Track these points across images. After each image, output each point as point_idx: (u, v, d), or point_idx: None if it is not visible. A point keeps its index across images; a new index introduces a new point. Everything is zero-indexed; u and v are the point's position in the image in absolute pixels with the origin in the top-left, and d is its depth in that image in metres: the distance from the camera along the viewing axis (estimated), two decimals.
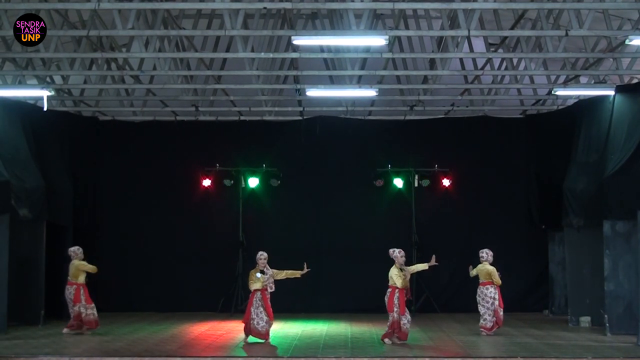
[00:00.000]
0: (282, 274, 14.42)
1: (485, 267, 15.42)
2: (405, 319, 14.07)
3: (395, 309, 13.98)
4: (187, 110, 19.63)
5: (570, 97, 18.84)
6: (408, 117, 20.03)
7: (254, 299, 14.15)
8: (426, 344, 14.16)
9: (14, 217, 15.72)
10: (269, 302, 14.13)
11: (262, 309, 14.06)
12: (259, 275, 14.05)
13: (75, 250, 15.48)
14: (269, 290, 14.17)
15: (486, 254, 15.50)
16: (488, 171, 19.98)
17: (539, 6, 14.52)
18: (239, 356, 13.07)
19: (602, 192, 15.45)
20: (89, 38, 15.73)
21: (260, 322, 14.05)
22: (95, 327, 15.36)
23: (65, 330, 15.25)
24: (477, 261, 15.71)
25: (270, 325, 14.24)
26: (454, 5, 13.97)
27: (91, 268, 15.41)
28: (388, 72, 17.55)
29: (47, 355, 12.60)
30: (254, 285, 14.15)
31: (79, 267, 15.30)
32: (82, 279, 15.32)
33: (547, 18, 15.29)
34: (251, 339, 14.16)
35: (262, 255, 14.23)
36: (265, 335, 14.13)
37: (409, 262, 14.79)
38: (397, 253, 14.18)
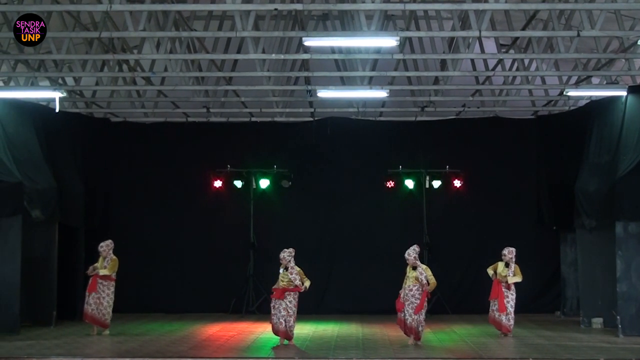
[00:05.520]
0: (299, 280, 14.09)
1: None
2: (402, 314, 13.92)
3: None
4: (198, 112, 19.67)
5: (582, 97, 18.75)
6: (419, 118, 20.01)
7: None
8: (438, 345, 14.14)
9: (27, 218, 15.79)
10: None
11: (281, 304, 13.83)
12: (281, 271, 13.98)
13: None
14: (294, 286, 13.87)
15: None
16: (499, 172, 19.94)
17: (550, 7, 14.46)
18: (249, 357, 13.09)
19: (614, 193, 15.39)
20: (100, 40, 15.78)
21: (278, 318, 13.78)
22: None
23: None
24: (487, 263, 15.74)
25: (288, 323, 13.81)
26: (464, 6, 13.93)
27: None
28: (399, 73, 17.54)
29: (59, 356, 12.64)
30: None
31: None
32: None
33: (558, 19, 15.24)
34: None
35: (282, 253, 14.05)
36: (282, 332, 13.82)
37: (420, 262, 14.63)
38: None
